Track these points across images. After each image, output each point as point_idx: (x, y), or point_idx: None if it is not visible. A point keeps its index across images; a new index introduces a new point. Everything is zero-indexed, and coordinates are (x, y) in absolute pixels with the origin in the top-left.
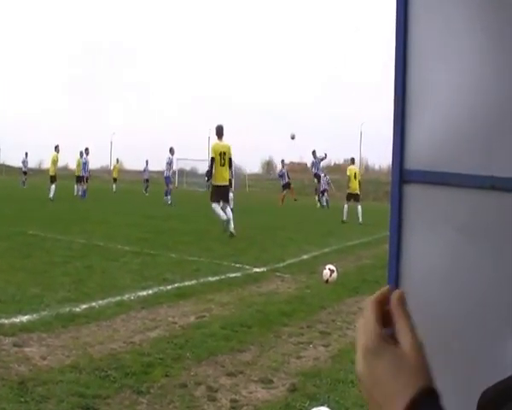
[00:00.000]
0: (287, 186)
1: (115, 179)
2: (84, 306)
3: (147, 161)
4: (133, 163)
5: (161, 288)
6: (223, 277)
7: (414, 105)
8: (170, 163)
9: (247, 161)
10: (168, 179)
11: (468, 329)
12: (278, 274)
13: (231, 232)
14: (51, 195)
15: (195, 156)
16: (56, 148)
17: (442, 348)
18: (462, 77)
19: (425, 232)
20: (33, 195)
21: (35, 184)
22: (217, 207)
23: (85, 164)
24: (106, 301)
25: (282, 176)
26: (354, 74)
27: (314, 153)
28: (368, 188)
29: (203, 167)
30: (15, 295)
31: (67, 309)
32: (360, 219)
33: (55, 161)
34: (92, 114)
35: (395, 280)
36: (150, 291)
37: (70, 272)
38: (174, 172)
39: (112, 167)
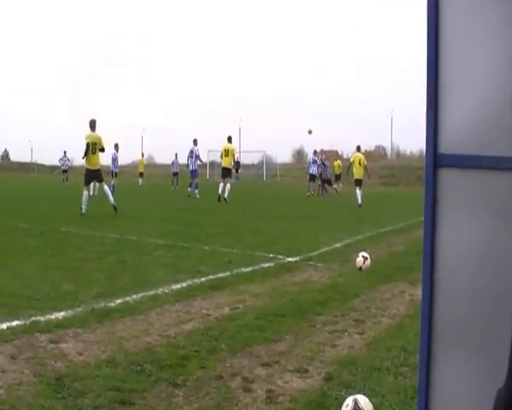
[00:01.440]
0: (325, 178)
1: (141, 174)
2: (118, 301)
3: (176, 155)
4: (167, 158)
5: (195, 280)
6: (256, 267)
7: (446, 88)
8: (193, 156)
9: (278, 150)
10: (194, 172)
11: (504, 311)
12: (311, 263)
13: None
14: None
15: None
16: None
17: (478, 327)
18: (494, 57)
19: (460, 216)
20: (64, 193)
21: (69, 183)
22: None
23: (115, 160)
24: (140, 295)
25: (315, 164)
26: (384, 58)
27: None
28: (399, 173)
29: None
30: (50, 292)
31: (102, 305)
32: (359, 201)
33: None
34: (121, 110)
35: (430, 266)
36: (184, 284)
37: (103, 267)
38: (202, 164)
39: (138, 162)
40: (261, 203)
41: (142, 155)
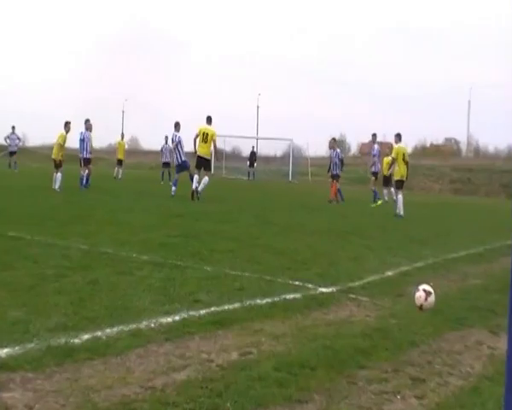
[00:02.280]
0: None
1: (120, 162)
2: (85, 336)
3: (166, 138)
4: (156, 142)
5: (192, 313)
6: (276, 299)
7: None
8: (176, 142)
9: (310, 139)
10: (179, 165)
11: None
12: (352, 296)
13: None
14: (57, 185)
15: (238, 131)
16: (67, 125)
17: None
18: None
19: None
20: (15, 182)
21: (20, 167)
22: None
23: (84, 141)
24: (116, 329)
25: (377, 156)
26: (454, 26)
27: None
28: (478, 178)
29: (248, 147)
30: None
31: (63, 340)
32: (401, 212)
33: (61, 143)
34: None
35: None
36: (177, 317)
37: (66, 289)
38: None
39: (115, 144)
40: (285, 211)
41: (122, 137)
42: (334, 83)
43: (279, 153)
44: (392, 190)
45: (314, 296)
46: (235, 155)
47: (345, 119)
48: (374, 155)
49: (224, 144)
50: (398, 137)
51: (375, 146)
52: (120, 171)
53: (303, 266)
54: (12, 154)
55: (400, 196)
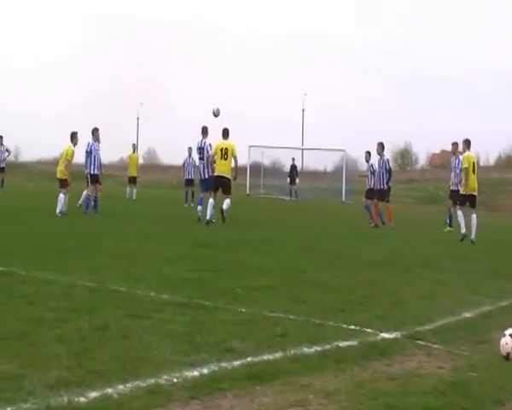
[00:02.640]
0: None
1: (133, 180)
2: (93, 394)
3: (189, 150)
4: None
5: (223, 365)
6: (327, 347)
7: None
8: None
9: (369, 150)
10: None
11: None
12: (421, 343)
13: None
14: (58, 209)
15: (279, 141)
16: (74, 137)
17: None
18: None
19: None
20: (5, 204)
21: (10, 187)
22: None
23: (91, 154)
24: (130, 385)
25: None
26: None
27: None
28: None
29: (289, 160)
30: None
31: (65, 399)
32: (473, 236)
33: (70, 159)
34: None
35: None
36: (205, 370)
37: (69, 336)
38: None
39: (126, 158)
40: (337, 239)
41: (134, 149)
42: (396, 82)
43: (330, 167)
44: (460, 212)
45: (374, 344)
46: (275, 170)
47: (410, 125)
48: (453, 166)
49: (262, 157)
50: (467, 143)
51: (455, 159)
52: (134, 190)
53: (360, 306)
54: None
55: (474, 217)
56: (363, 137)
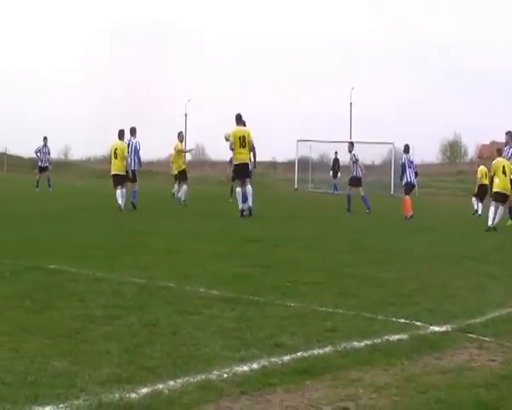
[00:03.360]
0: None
1: (182, 175)
2: (144, 390)
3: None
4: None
5: (273, 360)
6: (377, 341)
7: None
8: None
9: (416, 142)
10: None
11: None
12: (472, 336)
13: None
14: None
15: (327, 135)
16: (180, 135)
17: None
18: None
19: None
20: (55, 203)
21: (59, 186)
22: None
23: (136, 150)
24: (181, 381)
25: None
26: None
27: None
28: None
29: (340, 154)
30: (28, 372)
31: (116, 395)
32: (491, 222)
33: (126, 155)
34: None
35: None
36: (255, 365)
37: (119, 333)
38: (274, 164)
39: (171, 150)
40: (386, 233)
41: (181, 137)
42: (444, 71)
43: (377, 160)
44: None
45: (424, 337)
46: (323, 164)
47: (459, 115)
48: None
49: (310, 151)
50: (498, 152)
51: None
52: (179, 188)
53: (409, 299)
54: (42, 170)
55: (499, 210)
56: (412, 130)
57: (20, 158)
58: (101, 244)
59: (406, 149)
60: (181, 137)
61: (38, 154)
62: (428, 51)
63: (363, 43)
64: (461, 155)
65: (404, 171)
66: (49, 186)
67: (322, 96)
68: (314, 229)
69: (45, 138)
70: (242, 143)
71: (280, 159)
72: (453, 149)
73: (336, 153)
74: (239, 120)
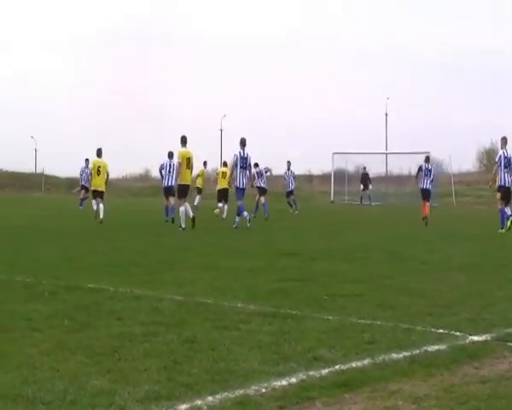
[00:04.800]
0: None
1: (200, 190)
2: (183, 406)
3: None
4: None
5: (311, 373)
6: (415, 352)
7: None
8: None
9: (453, 151)
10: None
11: None
12: None
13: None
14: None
15: (362, 146)
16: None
17: None
18: None
19: None
20: (87, 224)
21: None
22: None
23: (170, 169)
24: (219, 396)
25: None
26: None
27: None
28: None
29: (376, 166)
30: (67, 391)
31: None
32: None
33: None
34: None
35: None
36: (293, 379)
37: (158, 350)
38: (310, 177)
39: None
40: (423, 243)
41: (205, 164)
42: (480, 78)
43: (414, 170)
44: None
45: (463, 347)
46: (359, 176)
47: (497, 123)
48: None
49: (346, 164)
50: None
51: None
52: (225, 207)
53: (448, 310)
54: (85, 189)
55: None
56: (449, 139)
57: (57, 178)
58: (139, 261)
59: (426, 159)
60: (205, 165)
61: (83, 174)
62: (464, 58)
63: (399, 53)
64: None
65: (420, 177)
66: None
67: (357, 108)
68: (351, 241)
69: (87, 160)
70: (188, 164)
71: (315, 172)
72: (490, 156)
73: (364, 168)
74: (184, 141)
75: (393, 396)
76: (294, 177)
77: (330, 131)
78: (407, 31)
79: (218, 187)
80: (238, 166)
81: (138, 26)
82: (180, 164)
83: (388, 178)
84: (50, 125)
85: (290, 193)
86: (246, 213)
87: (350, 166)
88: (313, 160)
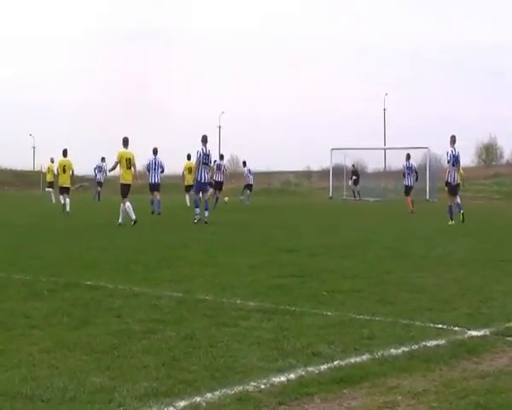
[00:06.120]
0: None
1: (66, 190)
2: (182, 403)
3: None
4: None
5: (310, 369)
6: (415, 347)
7: None
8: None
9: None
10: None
11: None
12: (511, 340)
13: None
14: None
15: (360, 141)
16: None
17: None
18: None
19: None
20: (93, 218)
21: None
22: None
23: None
24: (218, 393)
25: None
26: None
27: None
28: None
29: (376, 161)
30: (66, 389)
31: (154, 409)
32: None
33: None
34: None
35: None
36: (292, 375)
37: (157, 347)
38: (309, 173)
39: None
40: (422, 239)
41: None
42: (479, 73)
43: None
44: None
45: (462, 342)
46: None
47: (495, 118)
48: None
49: (345, 159)
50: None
51: None
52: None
53: (447, 305)
54: (99, 185)
55: None
56: (447, 134)
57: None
58: (138, 259)
59: (407, 157)
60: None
61: (97, 171)
62: (463, 53)
63: (398, 48)
64: (497, 157)
65: (404, 175)
66: (99, 199)
67: (356, 103)
68: (350, 237)
69: (103, 158)
70: (128, 164)
71: (314, 168)
72: (489, 151)
73: (353, 165)
74: (126, 143)
75: (392, 392)
76: (251, 173)
77: (329, 126)
78: (406, 27)
79: (187, 183)
80: (201, 162)
81: (137, 25)
82: (117, 164)
83: (387, 174)
84: (49, 123)
85: (248, 187)
86: (198, 210)
87: (348, 161)
88: (312, 156)
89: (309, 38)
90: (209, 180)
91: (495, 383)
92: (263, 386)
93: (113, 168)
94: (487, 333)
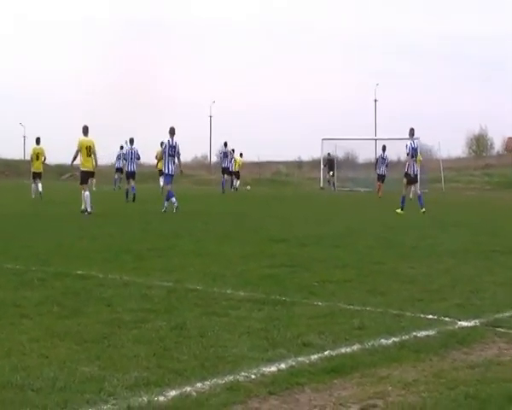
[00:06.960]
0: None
1: (37, 175)
2: (172, 392)
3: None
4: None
5: (301, 359)
6: (405, 337)
7: None
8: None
9: (442, 137)
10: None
11: None
12: (501, 330)
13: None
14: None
15: (352, 132)
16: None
17: None
18: None
19: None
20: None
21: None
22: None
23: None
24: (209, 383)
25: None
26: None
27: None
28: None
29: (366, 153)
30: (57, 378)
31: (145, 399)
32: None
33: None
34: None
35: None
36: (283, 365)
37: (147, 336)
38: (300, 163)
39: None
40: (413, 229)
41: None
42: (469, 64)
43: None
44: None
45: (452, 332)
46: (348, 163)
47: (486, 109)
48: None
49: (336, 150)
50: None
51: None
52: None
53: (438, 295)
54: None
55: None
56: (438, 125)
57: (47, 165)
58: (129, 248)
59: (383, 148)
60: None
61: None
62: (454, 44)
63: (388, 39)
64: (487, 148)
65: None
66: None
67: (347, 93)
68: (341, 227)
69: (121, 147)
70: (88, 152)
71: (305, 158)
72: (479, 142)
73: (329, 154)
74: (86, 131)
75: (383, 382)
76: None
77: (320, 117)
78: (397, 18)
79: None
80: (167, 154)
81: (129, 16)
82: (78, 152)
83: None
84: (39, 112)
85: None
86: (174, 199)
87: (339, 152)
88: (303, 146)
89: (299, 28)
90: (175, 172)
91: (485, 373)
92: (253, 376)
93: (75, 158)
94: (477, 324)
